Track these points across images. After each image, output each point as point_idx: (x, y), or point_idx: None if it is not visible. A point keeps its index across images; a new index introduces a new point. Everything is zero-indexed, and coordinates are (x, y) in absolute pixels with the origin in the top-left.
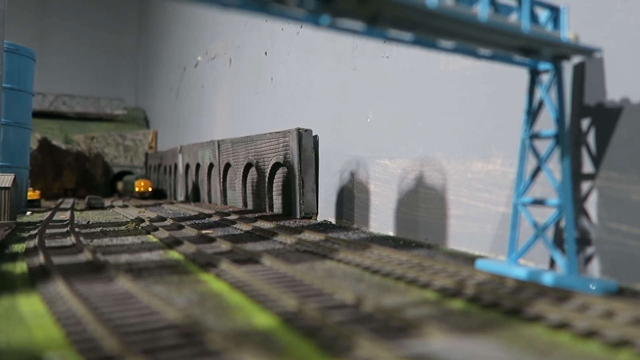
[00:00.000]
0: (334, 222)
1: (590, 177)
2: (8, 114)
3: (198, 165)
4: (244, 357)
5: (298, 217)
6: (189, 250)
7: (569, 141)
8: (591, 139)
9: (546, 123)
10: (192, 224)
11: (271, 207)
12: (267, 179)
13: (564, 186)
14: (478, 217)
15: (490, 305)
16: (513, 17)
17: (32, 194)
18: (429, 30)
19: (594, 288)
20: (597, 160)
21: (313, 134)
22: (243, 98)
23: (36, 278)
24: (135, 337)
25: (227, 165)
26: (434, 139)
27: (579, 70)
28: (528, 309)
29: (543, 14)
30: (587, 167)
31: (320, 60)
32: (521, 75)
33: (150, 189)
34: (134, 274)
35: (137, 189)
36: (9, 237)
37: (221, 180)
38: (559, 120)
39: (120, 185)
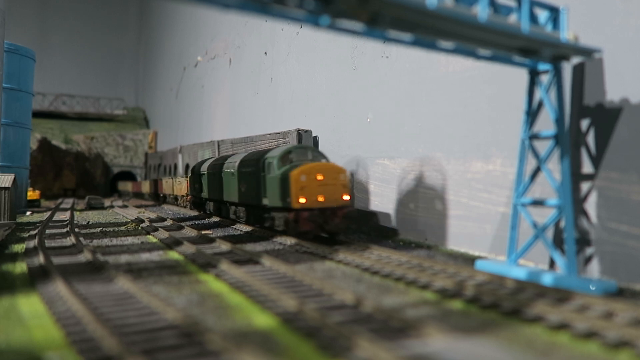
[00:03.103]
0: None
1: (589, 177)
2: (8, 114)
3: None
4: (244, 357)
5: None
6: (188, 250)
7: (568, 141)
8: (591, 139)
9: (546, 123)
10: (192, 224)
11: None
12: None
13: (564, 186)
14: (478, 218)
15: (489, 306)
16: (513, 18)
17: (32, 194)
18: (429, 31)
19: (593, 288)
20: (596, 161)
21: (313, 135)
22: (243, 98)
23: (36, 278)
24: (134, 337)
25: None
26: (433, 139)
27: (578, 71)
28: (528, 310)
29: (543, 15)
30: (587, 167)
31: (320, 61)
32: (521, 76)
33: (346, 197)
34: (134, 274)
35: (298, 200)
36: (9, 237)
37: None
38: (559, 120)
39: (170, 187)
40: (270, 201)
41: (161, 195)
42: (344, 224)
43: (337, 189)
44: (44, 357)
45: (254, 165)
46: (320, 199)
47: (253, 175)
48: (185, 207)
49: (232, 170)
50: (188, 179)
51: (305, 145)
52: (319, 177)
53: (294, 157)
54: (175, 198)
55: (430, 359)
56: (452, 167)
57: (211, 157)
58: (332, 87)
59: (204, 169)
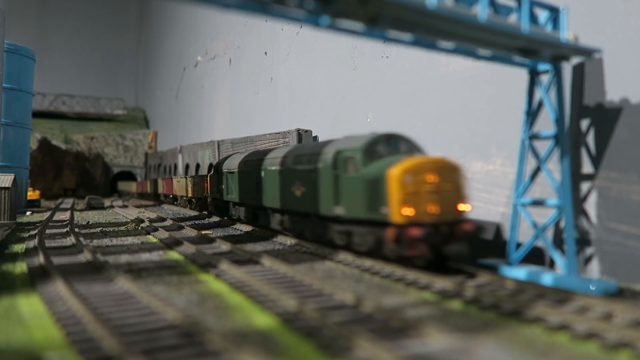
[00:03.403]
0: None
1: (589, 177)
2: (8, 114)
3: (198, 166)
4: (244, 357)
5: None
6: (188, 250)
7: (568, 141)
8: (591, 139)
9: (546, 123)
10: (192, 224)
11: None
12: None
13: (564, 187)
14: (478, 218)
15: (489, 307)
16: (513, 18)
17: (32, 194)
18: (429, 31)
19: (593, 289)
20: (596, 161)
21: (313, 135)
22: (243, 98)
23: (36, 278)
24: (134, 337)
25: None
26: (433, 138)
27: (578, 71)
28: (528, 311)
29: (542, 15)
30: (587, 167)
31: (320, 60)
32: (521, 76)
33: (463, 207)
34: (134, 274)
35: (401, 212)
36: (9, 237)
37: None
38: (559, 120)
39: (183, 188)
40: (347, 210)
41: (171, 196)
42: (466, 246)
43: (453, 196)
44: (44, 357)
45: (314, 161)
46: (433, 209)
47: (314, 174)
48: (200, 211)
49: (282, 167)
50: (209, 178)
51: (395, 132)
52: (431, 179)
53: (382, 149)
54: (190, 201)
55: (430, 359)
56: None
57: (243, 152)
58: (332, 87)
59: (234, 165)
